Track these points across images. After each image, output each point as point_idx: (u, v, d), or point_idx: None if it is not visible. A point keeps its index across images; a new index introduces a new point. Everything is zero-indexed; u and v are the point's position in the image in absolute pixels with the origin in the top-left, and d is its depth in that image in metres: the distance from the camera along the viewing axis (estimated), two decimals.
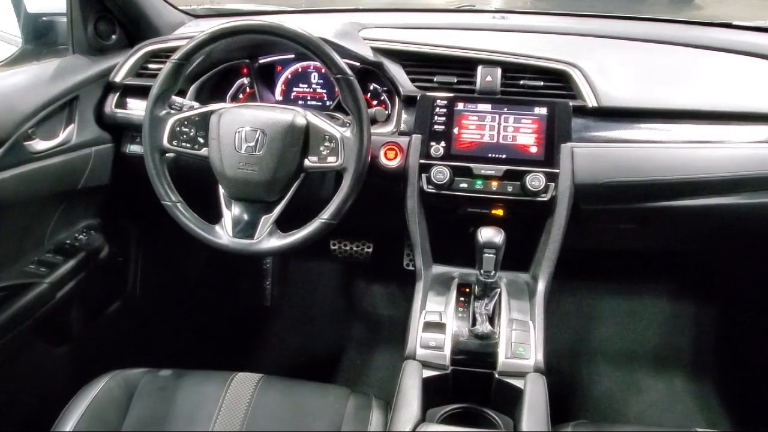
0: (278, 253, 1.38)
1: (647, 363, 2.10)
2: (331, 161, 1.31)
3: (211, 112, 1.34)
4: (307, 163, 1.32)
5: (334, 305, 2.35)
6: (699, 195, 1.43)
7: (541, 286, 1.39)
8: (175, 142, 1.35)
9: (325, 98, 1.70)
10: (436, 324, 1.29)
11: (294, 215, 1.36)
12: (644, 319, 2.20)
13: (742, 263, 2.13)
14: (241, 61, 1.65)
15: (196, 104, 1.46)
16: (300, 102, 1.71)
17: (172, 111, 1.38)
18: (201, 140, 1.35)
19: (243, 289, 2.35)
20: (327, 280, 2.39)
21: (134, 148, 1.64)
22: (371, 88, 1.63)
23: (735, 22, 1.75)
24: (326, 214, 1.31)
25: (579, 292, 2.26)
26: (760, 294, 2.09)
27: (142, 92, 1.56)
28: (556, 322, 2.19)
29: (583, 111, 1.43)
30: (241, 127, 1.30)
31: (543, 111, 1.42)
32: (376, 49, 1.53)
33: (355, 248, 2.19)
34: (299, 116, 1.31)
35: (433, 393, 1.22)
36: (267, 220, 1.34)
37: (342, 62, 1.28)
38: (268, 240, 1.33)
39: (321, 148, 1.31)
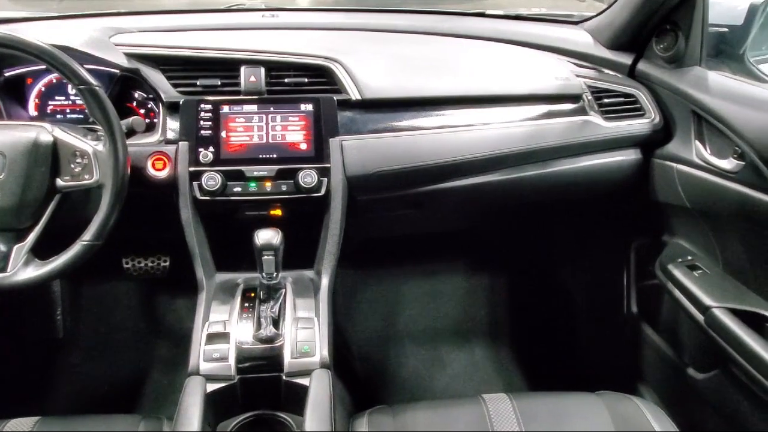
0: (39, 283, 1.26)
1: (449, 338, 2.21)
2: (86, 179, 1.22)
3: None
4: (59, 183, 1.22)
5: (135, 327, 2.21)
6: (464, 176, 1.53)
7: (325, 282, 1.40)
8: None
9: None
10: (219, 334, 1.24)
11: (61, 239, 1.25)
12: (444, 297, 2.31)
13: (517, 234, 2.31)
14: None
15: None
16: (59, 116, 1.57)
17: None
18: None
19: (28, 322, 2.13)
20: (125, 302, 2.24)
21: None
22: (136, 96, 1.54)
23: (487, 12, 1.89)
24: (87, 236, 1.22)
25: (384, 280, 2.32)
26: (533, 261, 2.29)
27: None
28: (363, 311, 2.24)
29: (348, 104, 1.46)
30: None
31: (309, 107, 1.43)
32: (131, 55, 1.44)
33: (150, 263, 2.07)
34: (44, 133, 1.21)
35: (222, 405, 1.18)
36: (21, 249, 1.22)
37: (83, 72, 1.19)
38: (24, 270, 1.21)
39: (73, 166, 1.22)
